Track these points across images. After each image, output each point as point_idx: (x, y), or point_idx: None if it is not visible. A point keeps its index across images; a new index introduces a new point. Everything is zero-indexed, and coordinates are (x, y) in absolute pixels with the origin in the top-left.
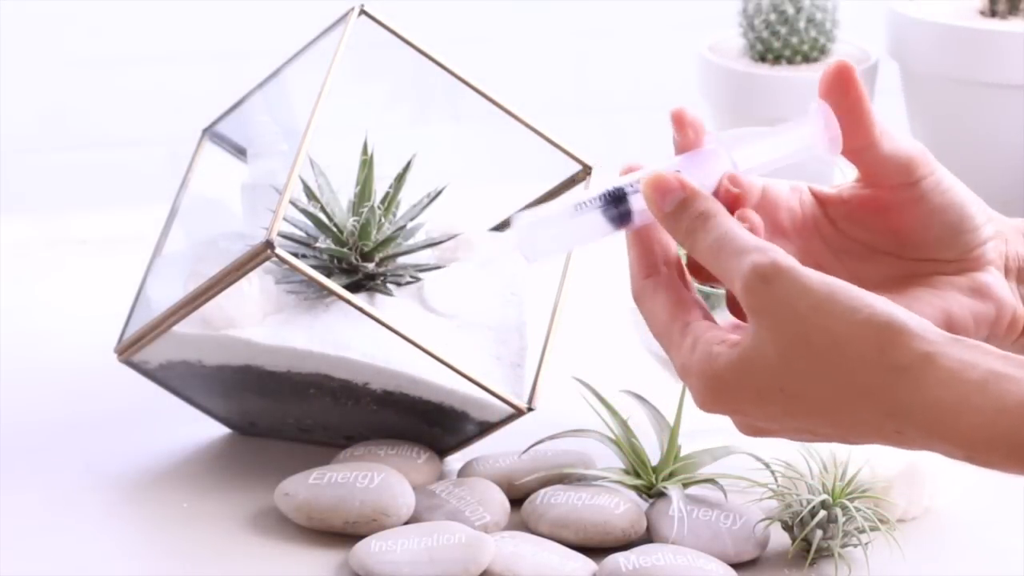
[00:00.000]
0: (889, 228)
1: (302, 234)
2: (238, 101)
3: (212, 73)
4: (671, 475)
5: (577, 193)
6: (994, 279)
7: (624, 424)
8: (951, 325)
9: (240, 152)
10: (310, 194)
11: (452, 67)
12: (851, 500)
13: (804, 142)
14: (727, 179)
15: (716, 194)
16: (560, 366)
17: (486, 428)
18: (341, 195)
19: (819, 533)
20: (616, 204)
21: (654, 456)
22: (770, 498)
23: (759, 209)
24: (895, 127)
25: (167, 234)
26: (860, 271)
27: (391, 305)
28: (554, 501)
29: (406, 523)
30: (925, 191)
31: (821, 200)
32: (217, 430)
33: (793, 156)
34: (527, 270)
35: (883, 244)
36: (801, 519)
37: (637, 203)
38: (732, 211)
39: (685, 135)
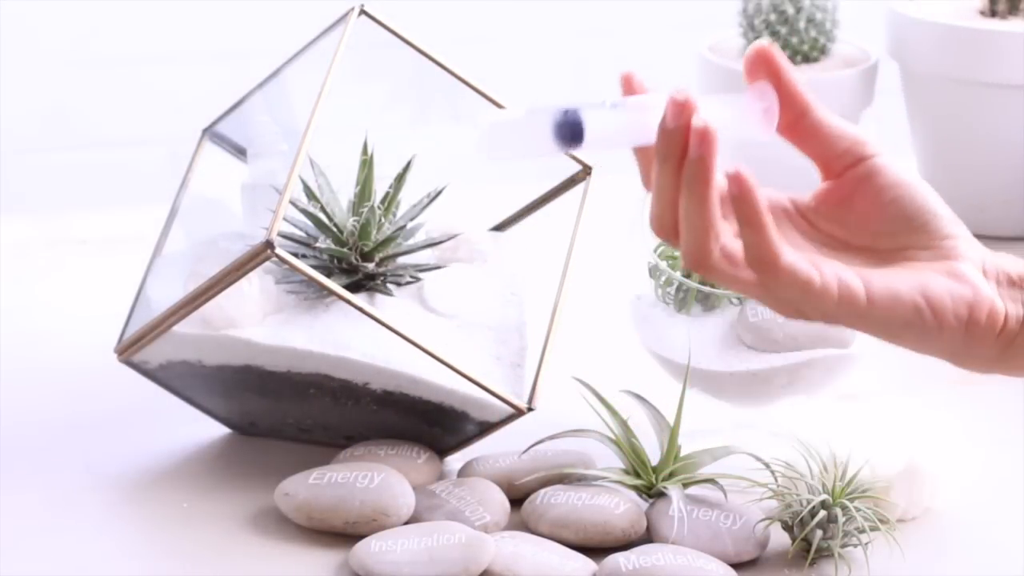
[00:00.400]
0: (853, 217)
1: (302, 234)
2: (238, 101)
3: (212, 73)
4: (671, 475)
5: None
6: (969, 269)
7: (624, 424)
8: (928, 299)
9: (240, 152)
10: (310, 194)
11: (452, 67)
12: (851, 500)
13: (740, 114)
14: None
15: None
16: (560, 366)
17: (486, 428)
18: (341, 195)
19: (819, 533)
20: (568, 119)
21: (654, 456)
22: (770, 498)
23: None
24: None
25: (167, 234)
26: (841, 259)
27: (391, 305)
28: (554, 501)
29: (406, 523)
30: (874, 170)
31: (796, 205)
32: (217, 430)
33: (732, 128)
34: (521, 268)
35: (855, 237)
36: (801, 519)
37: (590, 121)
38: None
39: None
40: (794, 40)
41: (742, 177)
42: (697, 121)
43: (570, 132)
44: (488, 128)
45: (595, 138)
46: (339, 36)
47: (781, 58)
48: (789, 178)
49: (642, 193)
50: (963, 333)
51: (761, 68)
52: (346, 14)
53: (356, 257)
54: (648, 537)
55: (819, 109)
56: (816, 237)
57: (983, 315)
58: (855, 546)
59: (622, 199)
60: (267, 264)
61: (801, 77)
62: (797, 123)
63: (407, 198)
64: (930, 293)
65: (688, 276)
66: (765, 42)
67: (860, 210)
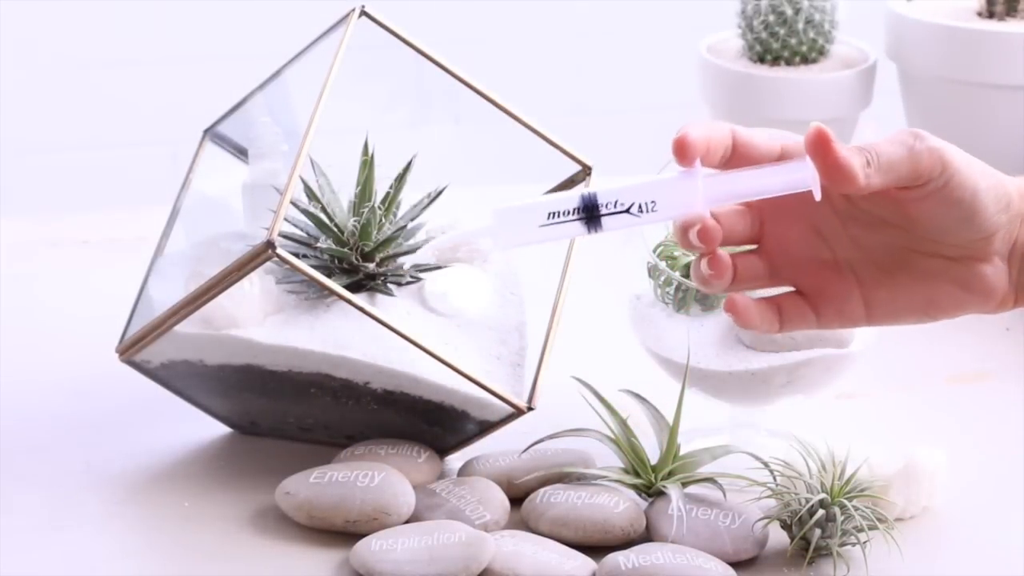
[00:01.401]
0: (899, 211)
1: (303, 234)
2: (239, 102)
3: (213, 74)
4: (670, 474)
5: (557, 197)
6: (993, 271)
7: (623, 423)
8: (933, 312)
9: (241, 153)
10: (311, 194)
11: (452, 67)
12: (849, 499)
13: (794, 186)
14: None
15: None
16: (560, 366)
17: (486, 427)
18: (342, 195)
19: (818, 532)
20: (588, 216)
21: (653, 455)
22: (769, 497)
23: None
24: (889, 141)
25: (168, 234)
26: (863, 238)
27: (392, 305)
28: (554, 500)
29: (406, 522)
30: (933, 192)
31: None
32: (218, 429)
33: (778, 194)
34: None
35: (893, 218)
36: (800, 518)
37: (609, 223)
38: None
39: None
40: (793, 41)
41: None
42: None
43: (588, 226)
44: (502, 216)
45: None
46: (340, 37)
47: (834, 142)
48: None
49: None
50: (974, 312)
51: (816, 150)
52: (347, 15)
53: (357, 257)
54: (647, 536)
55: (871, 179)
56: (845, 208)
57: (992, 307)
58: (853, 545)
59: None
60: (268, 264)
61: (846, 157)
62: (857, 191)
63: (407, 198)
64: (935, 307)
65: (687, 276)
66: (821, 128)
67: (909, 211)
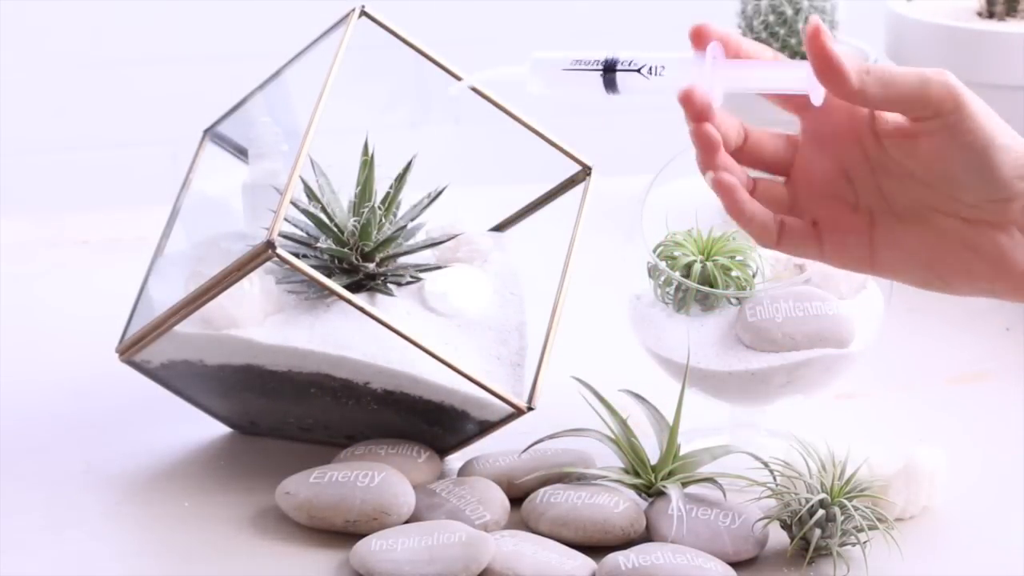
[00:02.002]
0: (919, 155)
1: (303, 234)
2: (239, 102)
3: (213, 74)
4: (670, 474)
5: (585, 53)
6: (1010, 241)
7: (623, 423)
8: (939, 273)
9: (241, 153)
10: (311, 194)
11: (452, 67)
12: (849, 499)
13: (794, 84)
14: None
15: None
16: (560, 366)
17: (486, 427)
18: (342, 195)
19: (818, 532)
20: (607, 70)
21: (653, 455)
22: (769, 497)
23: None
24: (903, 67)
25: (168, 234)
26: (890, 188)
27: (392, 305)
28: (554, 500)
29: (406, 522)
30: (946, 127)
31: (875, 124)
32: (218, 429)
33: (779, 91)
34: (521, 268)
35: (919, 171)
36: (800, 518)
37: (622, 80)
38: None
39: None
40: (793, 41)
41: (721, 183)
42: (702, 130)
43: (606, 82)
44: (537, 62)
45: (629, 92)
46: (340, 37)
47: (829, 41)
48: None
49: (641, 193)
50: (987, 293)
51: (810, 50)
52: (347, 15)
53: (357, 257)
54: (647, 536)
55: (868, 87)
56: (878, 156)
57: (1007, 286)
58: (853, 545)
59: (622, 199)
60: (268, 264)
61: (839, 57)
62: (850, 97)
63: (407, 198)
64: (942, 265)
65: (687, 276)
66: (818, 24)
67: (925, 151)
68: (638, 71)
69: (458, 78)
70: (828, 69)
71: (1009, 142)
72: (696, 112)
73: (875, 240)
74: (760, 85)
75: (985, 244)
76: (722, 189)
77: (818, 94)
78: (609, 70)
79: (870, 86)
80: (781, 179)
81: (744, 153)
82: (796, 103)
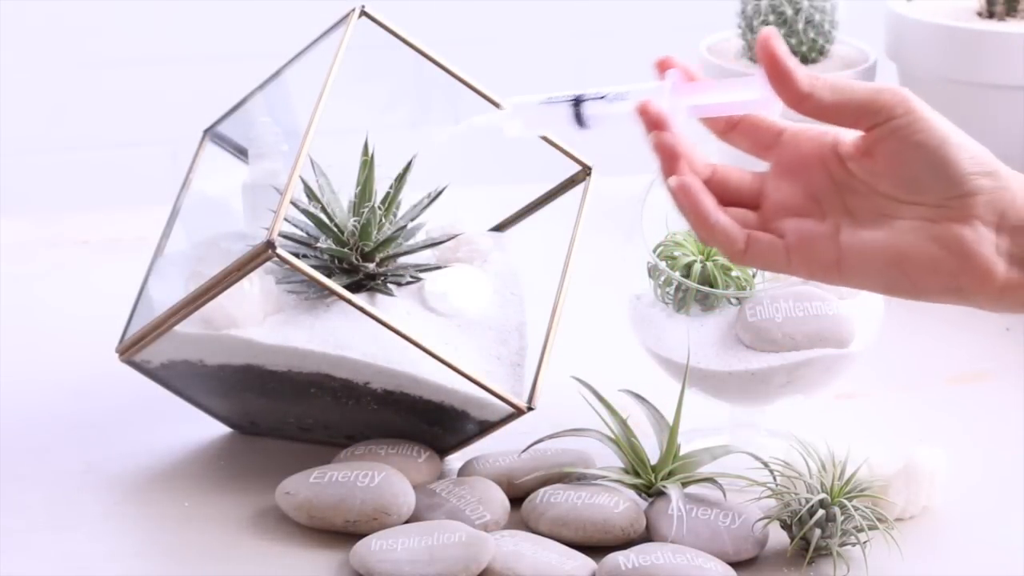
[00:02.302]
0: (879, 166)
1: (303, 234)
2: (239, 102)
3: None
4: (670, 474)
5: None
6: (973, 234)
7: (623, 423)
8: (905, 269)
9: (241, 153)
10: (311, 194)
11: (452, 67)
12: (849, 499)
13: (749, 95)
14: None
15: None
16: (560, 366)
17: (486, 427)
18: (342, 195)
19: (818, 532)
20: (577, 102)
21: (653, 455)
22: (769, 497)
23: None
24: (853, 79)
25: (168, 234)
26: (855, 203)
27: (392, 305)
28: (554, 500)
29: (406, 522)
30: (899, 130)
31: (838, 147)
32: (218, 429)
33: (736, 108)
34: (521, 268)
35: (882, 184)
36: (800, 518)
37: (588, 109)
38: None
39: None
40: (793, 41)
41: (684, 185)
42: (660, 139)
43: (577, 117)
44: (514, 106)
45: (597, 123)
46: (340, 37)
47: (780, 49)
48: None
49: (641, 193)
50: (953, 293)
51: (760, 56)
52: (347, 15)
53: (357, 257)
54: (647, 536)
55: (821, 93)
56: (842, 176)
57: (974, 280)
58: (853, 545)
59: (622, 199)
60: (268, 264)
61: (790, 64)
62: (804, 106)
63: (407, 198)
64: (908, 262)
65: (687, 276)
66: (770, 32)
67: (882, 163)
68: (602, 98)
69: (457, 78)
70: (778, 73)
71: (963, 140)
72: (652, 121)
73: (842, 247)
74: (718, 99)
75: (950, 239)
76: (685, 194)
77: (773, 106)
78: (578, 102)
79: (820, 90)
80: None
81: (711, 184)
82: (763, 143)
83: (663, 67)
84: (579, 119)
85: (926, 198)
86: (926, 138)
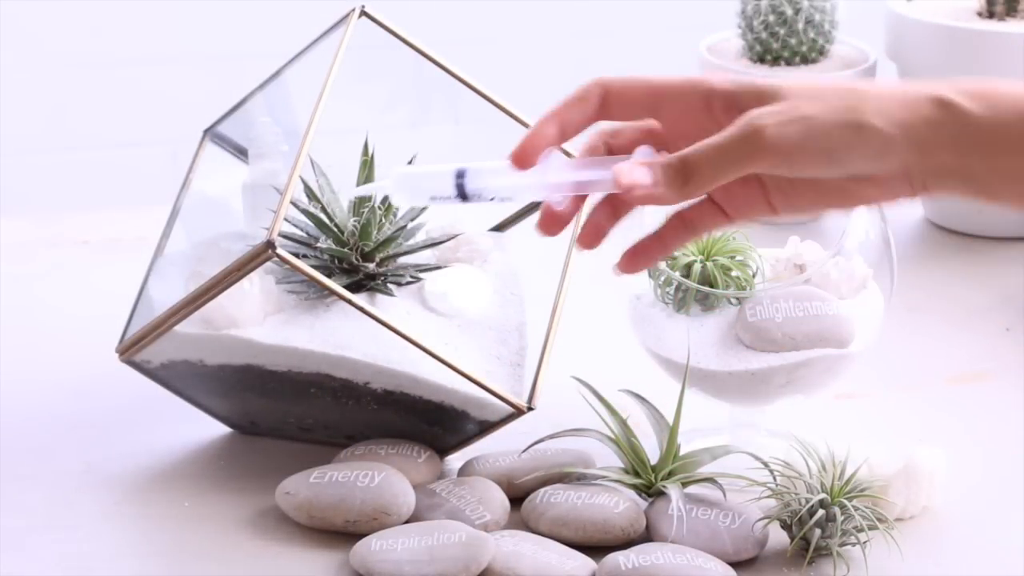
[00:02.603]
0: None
1: (303, 234)
2: (239, 102)
3: (213, 74)
4: (670, 474)
5: (440, 182)
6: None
7: (623, 423)
8: (828, 196)
9: (241, 153)
10: (311, 194)
11: (452, 67)
12: (849, 499)
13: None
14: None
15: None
16: (560, 366)
17: (486, 427)
18: (342, 195)
19: (818, 532)
20: (459, 180)
21: (653, 455)
22: (769, 497)
23: None
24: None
25: (168, 234)
26: (791, 192)
27: (392, 305)
28: (554, 500)
29: (406, 522)
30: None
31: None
32: (218, 429)
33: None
34: (521, 268)
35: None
36: (800, 518)
37: (470, 183)
38: None
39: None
40: (793, 41)
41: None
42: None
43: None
44: (400, 177)
45: (480, 198)
46: (340, 37)
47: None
48: None
49: None
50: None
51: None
52: (347, 15)
53: (357, 257)
54: (647, 536)
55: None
56: (779, 185)
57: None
58: (853, 545)
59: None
60: (268, 264)
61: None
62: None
63: None
64: (844, 196)
65: (687, 276)
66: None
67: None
68: (491, 199)
69: (457, 78)
70: (622, 187)
71: (844, 138)
72: (547, 229)
73: (773, 203)
74: (588, 186)
75: (879, 188)
76: (636, 268)
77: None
78: (460, 176)
79: (680, 188)
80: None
81: (650, 135)
82: (638, 116)
83: (521, 160)
84: (463, 194)
85: (856, 173)
86: (811, 166)
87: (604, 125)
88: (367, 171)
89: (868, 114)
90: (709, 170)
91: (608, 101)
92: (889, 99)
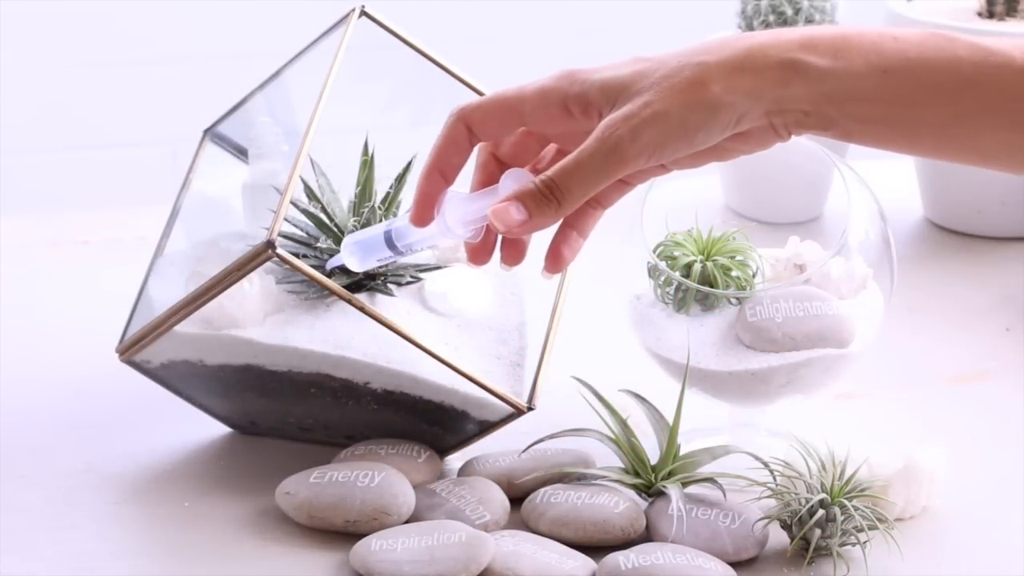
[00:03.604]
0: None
1: (303, 234)
2: (239, 102)
3: (213, 74)
4: (670, 474)
5: (378, 227)
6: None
7: (623, 423)
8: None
9: (241, 153)
10: (311, 194)
11: (452, 67)
12: (849, 499)
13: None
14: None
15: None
16: (560, 366)
17: (486, 427)
18: (342, 195)
19: (818, 532)
20: (389, 241)
21: (653, 455)
22: (769, 497)
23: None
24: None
25: (168, 234)
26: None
27: (391, 305)
28: (554, 500)
29: (406, 522)
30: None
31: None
32: (218, 429)
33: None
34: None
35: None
36: (800, 518)
37: (399, 242)
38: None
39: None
40: None
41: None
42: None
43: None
44: (349, 246)
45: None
46: (340, 37)
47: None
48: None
49: (641, 193)
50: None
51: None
52: (347, 15)
53: None
54: (647, 536)
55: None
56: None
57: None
58: (853, 545)
59: (621, 199)
60: (268, 264)
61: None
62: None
63: (407, 198)
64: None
65: (687, 276)
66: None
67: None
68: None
69: (457, 78)
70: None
71: (699, 120)
72: (476, 261)
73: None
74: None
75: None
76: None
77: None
78: (387, 238)
79: (553, 213)
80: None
81: (529, 139)
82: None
83: (420, 216)
84: (393, 248)
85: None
86: (680, 152)
87: (485, 143)
88: (367, 171)
89: (717, 92)
90: (578, 188)
91: (474, 131)
92: (736, 70)
